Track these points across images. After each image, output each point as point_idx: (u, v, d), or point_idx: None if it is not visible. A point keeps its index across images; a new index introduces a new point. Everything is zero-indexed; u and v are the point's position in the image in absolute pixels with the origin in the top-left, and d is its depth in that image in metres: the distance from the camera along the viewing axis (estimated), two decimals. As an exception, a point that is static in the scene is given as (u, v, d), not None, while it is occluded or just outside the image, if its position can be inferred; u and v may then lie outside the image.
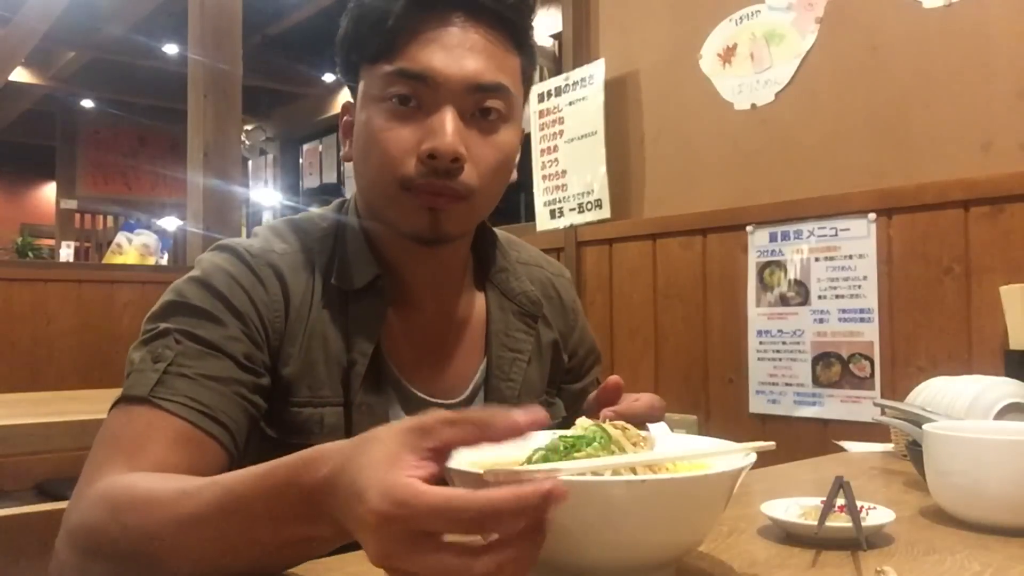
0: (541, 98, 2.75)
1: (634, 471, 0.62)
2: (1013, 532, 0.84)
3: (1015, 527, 0.84)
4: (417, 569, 0.48)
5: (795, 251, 2.07)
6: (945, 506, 0.91)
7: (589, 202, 2.58)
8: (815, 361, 2.02)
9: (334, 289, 0.90)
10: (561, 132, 2.67)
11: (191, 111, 3.79)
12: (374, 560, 0.50)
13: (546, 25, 4.56)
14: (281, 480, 0.58)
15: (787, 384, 2.07)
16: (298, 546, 0.61)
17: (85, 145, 10.40)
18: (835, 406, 1.97)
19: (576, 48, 2.67)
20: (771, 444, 0.67)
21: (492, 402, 0.97)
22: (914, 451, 1.05)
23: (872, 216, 1.91)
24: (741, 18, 2.25)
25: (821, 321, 2.01)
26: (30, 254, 9.59)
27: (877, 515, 0.83)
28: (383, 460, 0.50)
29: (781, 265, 2.09)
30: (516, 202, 3.80)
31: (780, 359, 2.08)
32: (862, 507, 0.83)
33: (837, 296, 1.98)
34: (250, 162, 10.27)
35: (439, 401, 0.95)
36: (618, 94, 2.55)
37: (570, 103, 2.65)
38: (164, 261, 5.32)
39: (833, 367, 1.98)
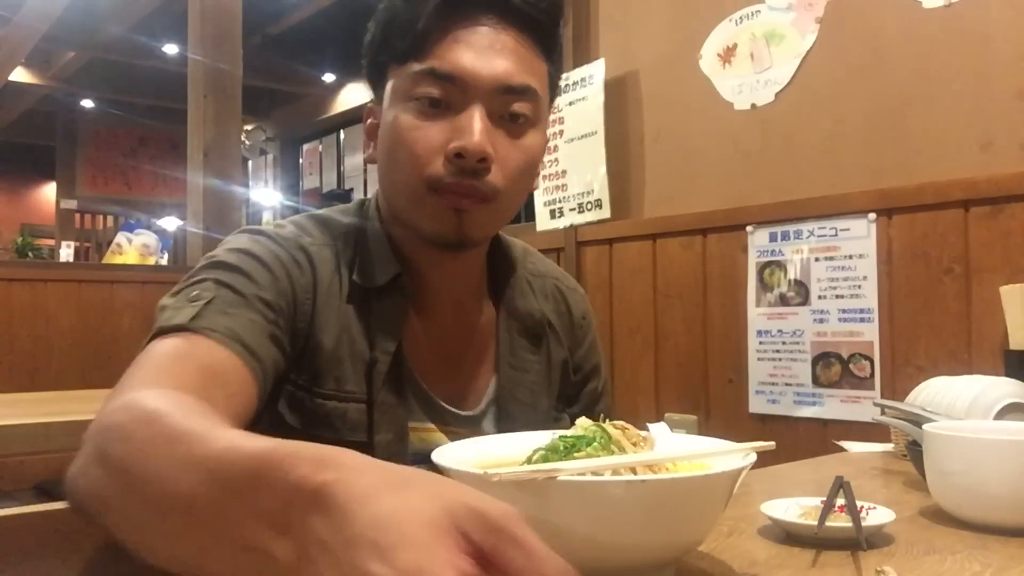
0: (541, 98, 2.75)
1: (634, 471, 0.62)
2: (1013, 532, 0.84)
3: (1015, 527, 0.84)
4: None
5: (795, 251, 2.07)
6: (945, 506, 0.91)
7: (589, 202, 2.58)
8: (815, 361, 2.02)
9: (357, 286, 0.91)
10: (561, 132, 2.67)
11: (191, 111, 3.79)
12: None
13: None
14: (268, 461, 0.45)
15: (787, 384, 2.07)
16: (234, 558, 0.47)
17: (85, 145, 10.41)
18: (835, 406, 1.97)
19: (576, 48, 2.67)
20: (771, 444, 0.67)
21: (503, 419, 0.96)
22: (914, 451, 1.05)
23: (872, 216, 1.91)
24: (741, 18, 2.24)
25: (821, 321, 2.01)
26: (30, 254, 9.61)
27: (877, 515, 0.83)
28: (425, 525, 0.39)
29: (781, 265, 2.09)
30: (516, 202, 3.80)
31: (780, 359, 2.08)
32: (862, 507, 0.83)
33: (837, 296, 1.98)
34: (250, 162, 10.29)
35: (457, 411, 0.94)
36: (618, 94, 2.55)
37: (570, 103, 2.65)
38: (164, 261, 5.32)
39: (833, 367, 1.98)
